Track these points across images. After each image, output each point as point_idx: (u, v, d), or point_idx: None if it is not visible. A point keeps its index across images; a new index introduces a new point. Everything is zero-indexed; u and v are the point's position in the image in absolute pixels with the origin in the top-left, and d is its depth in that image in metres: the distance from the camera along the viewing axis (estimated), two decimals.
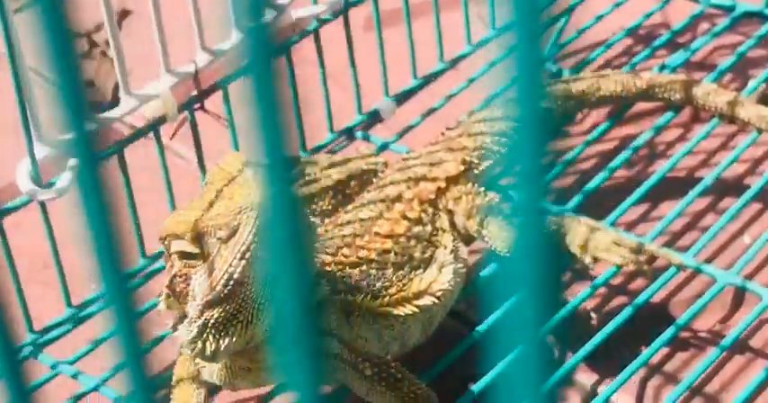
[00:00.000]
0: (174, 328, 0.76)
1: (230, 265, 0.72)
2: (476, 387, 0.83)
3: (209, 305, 0.73)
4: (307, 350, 0.22)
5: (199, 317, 0.74)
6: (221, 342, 0.74)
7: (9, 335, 0.30)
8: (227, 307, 0.73)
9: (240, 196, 0.72)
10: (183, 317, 0.75)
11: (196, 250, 0.73)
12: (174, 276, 0.74)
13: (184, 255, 0.73)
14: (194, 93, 0.94)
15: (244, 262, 0.71)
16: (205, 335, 0.74)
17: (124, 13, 1.17)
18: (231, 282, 0.72)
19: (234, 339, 0.74)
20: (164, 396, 0.84)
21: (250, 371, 0.79)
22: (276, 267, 0.22)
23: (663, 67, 1.08)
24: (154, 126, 0.91)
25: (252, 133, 0.22)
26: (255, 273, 0.72)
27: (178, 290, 0.74)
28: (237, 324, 0.74)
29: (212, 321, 0.74)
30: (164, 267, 0.79)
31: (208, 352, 0.75)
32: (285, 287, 0.22)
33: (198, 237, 0.72)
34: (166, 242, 0.74)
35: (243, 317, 0.74)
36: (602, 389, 0.85)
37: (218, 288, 0.72)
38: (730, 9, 1.15)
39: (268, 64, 0.22)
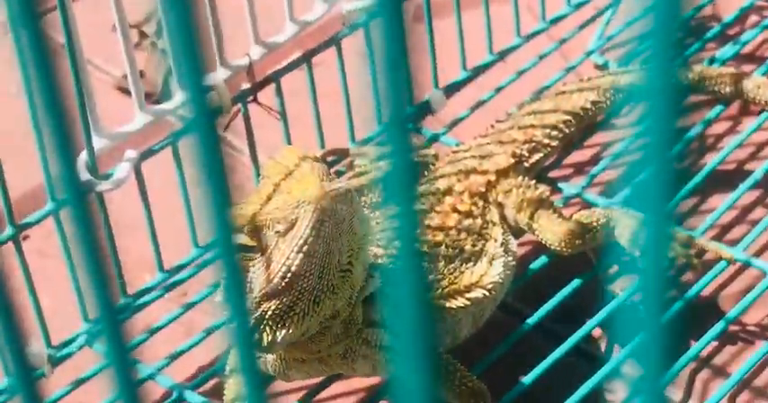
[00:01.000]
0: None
1: (288, 258, 0.72)
2: (526, 379, 0.83)
3: (267, 297, 0.74)
4: (419, 328, 0.23)
5: (256, 310, 0.74)
6: (278, 333, 0.75)
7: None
8: (284, 299, 0.74)
9: (297, 190, 0.72)
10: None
11: (254, 243, 0.73)
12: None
13: (242, 249, 0.73)
14: (248, 85, 0.94)
15: (301, 255, 0.72)
16: (262, 327, 0.75)
17: None
18: (288, 275, 0.73)
19: (290, 331, 0.75)
20: (217, 385, 0.86)
21: (304, 362, 0.79)
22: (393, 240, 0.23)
23: (712, 60, 1.08)
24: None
25: (382, 81, 0.23)
26: (312, 266, 0.73)
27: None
28: (294, 316, 0.74)
29: (269, 313, 0.74)
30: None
31: (264, 343, 0.75)
32: (400, 261, 0.23)
33: (256, 231, 0.73)
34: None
35: (299, 310, 0.74)
36: None
37: (276, 281, 0.73)
38: None
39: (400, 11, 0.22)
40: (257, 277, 0.74)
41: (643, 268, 0.22)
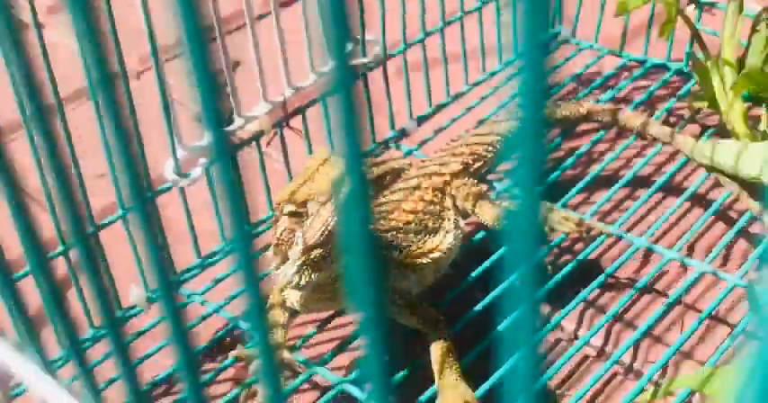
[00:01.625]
0: (277, 268, 0.74)
1: (326, 220, 0.71)
2: (471, 314, 0.82)
3: (308, 250, 0.72)
4: (370, 288, 0.22)
5: (299, 259, 0.72)
6: (313, 276, 0.73)
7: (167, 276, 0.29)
8: (321, 250, 0.72)
9: (331, 174, 0.71)
10: (285, 260, 0.73)
11: (302, 211, 0.71)
12: (284, 231, 0.73)
13: (293, 215, 0.71)
14: (282, 115, 0.93)
15: (335, 218, 0.70)
16: (302, 271, 0.73)
17: (236, 64, 1.17)
18: (326, 233, 0.71)
19: (323, 274, 0.73)
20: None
21: (320, 300, 0.78)
22: (349, 230, 0.22)
23: (597, 101, 1.08)
24: (255, 137, 0.91)
25: (337, 135, 0.21)
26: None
27: (285, 240, 0.73)
28: (326, 263, 0.73)
29: (308, 261, 0.73)
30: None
31: (303, 283, 0.74)
32: (356, 243, 0.22)
33: (304, 203, 0.71)
34: (280, 205, 0.72)
35: (330, 259, 0.73)
36: (554, 318, 0.85)
37: (317, 236, 0.71)
38: (643, 62, 1.15)
39: (350, 88, 0.21)
40: (303, 234, 0.72)
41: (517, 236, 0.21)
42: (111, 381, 0.70)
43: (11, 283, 0.33)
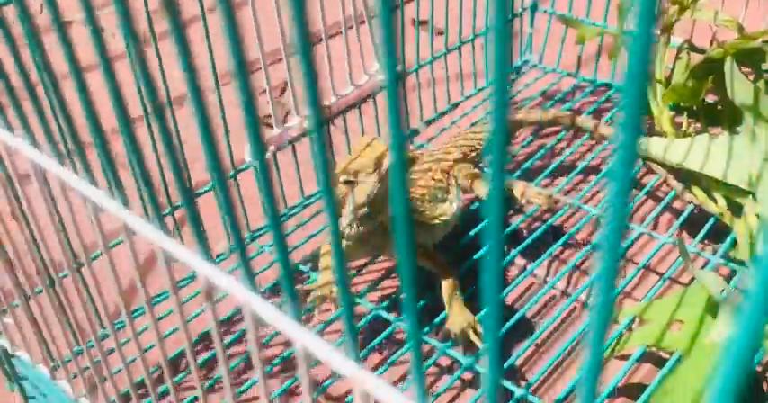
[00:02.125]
0: None
1: (372, 187, 0.72)
2: (469, 262, 0.86)
3: (357, 208, 0.73)
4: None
5: (350, 214, 0.74)
6: (360, 228, 0.75)
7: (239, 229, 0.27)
8: (366, 210, 0.73)
9: (375, 153, 0.72)
10: (340, 215, 0.75)
11: (353, 179, 0.72)
12: (339, 194, 0.74)
13: (347, 182, 0.72)
14: (329, 115, 0.95)
15: (378, 185, 0.71)
16: (352, 224, 0.74)
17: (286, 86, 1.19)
18: (371, 196, 0.72)
19: (366, 227, 0.75)
20: (315, 264, 0.88)
21: (358, 249, 0.79)
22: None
23: (560, 109, 1.12)
24: (308, 132, 0.94)
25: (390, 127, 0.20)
26: (381, 193, 0.71)
27: (341, 201, 0.74)
28: (369, 218, 0.74)
29: (357, 217, 0.74)
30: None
31: (352, 233, 0.75)
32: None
33: (354, 173, 0.72)
34: (338, 175, 0.73)
35: (373, 215, 0.74)
36: (529, 267, 0.88)
37: (364, 199, 0.72)
38: (593, 81, 1.18)
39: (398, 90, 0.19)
40: (353, 197, 0.73)
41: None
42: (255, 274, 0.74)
43: (193, 204, 0.34)
